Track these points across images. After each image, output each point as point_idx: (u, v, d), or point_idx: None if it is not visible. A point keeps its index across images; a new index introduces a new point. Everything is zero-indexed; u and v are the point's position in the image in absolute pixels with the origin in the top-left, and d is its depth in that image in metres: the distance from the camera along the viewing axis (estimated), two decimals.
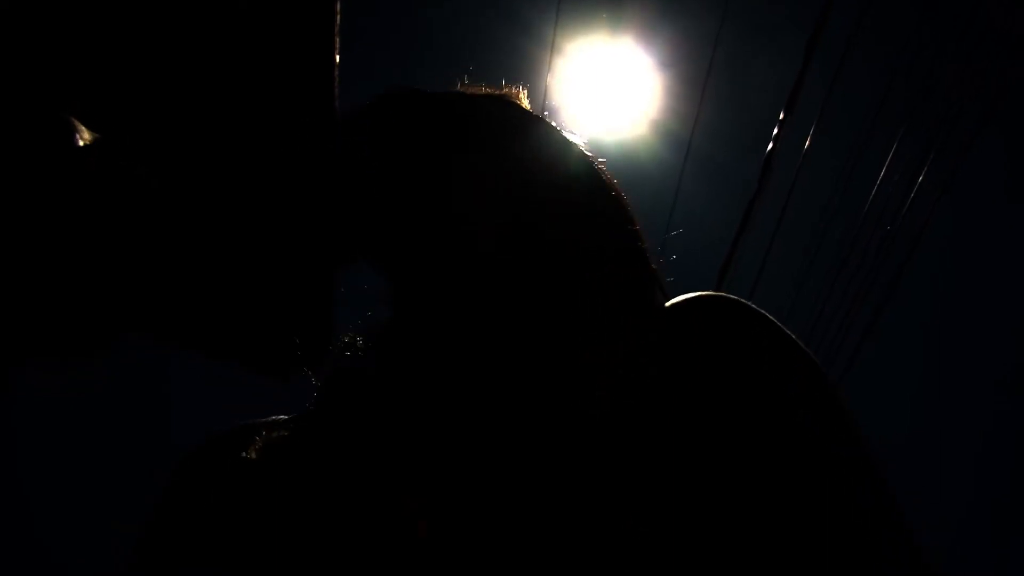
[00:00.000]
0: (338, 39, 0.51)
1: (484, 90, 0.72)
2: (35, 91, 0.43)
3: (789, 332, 0.54)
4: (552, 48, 4.74)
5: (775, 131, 4.00)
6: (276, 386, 0.62)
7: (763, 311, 0.55)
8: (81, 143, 0.42)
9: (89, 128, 0.45)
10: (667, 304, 0.59)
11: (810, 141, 4.35)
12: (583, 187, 0.65)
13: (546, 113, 0.74)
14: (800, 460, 0.48)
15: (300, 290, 0.49)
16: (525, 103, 0.72)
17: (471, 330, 0.57)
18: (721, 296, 0.57)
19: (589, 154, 0.68)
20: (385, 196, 0.60)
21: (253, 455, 0.58)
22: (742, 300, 0.56)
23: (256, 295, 0.48)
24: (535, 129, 0.69)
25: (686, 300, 0.57)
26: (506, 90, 0.73)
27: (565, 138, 0.69)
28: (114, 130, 0.46)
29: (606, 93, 5.95)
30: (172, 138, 0.47)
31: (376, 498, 0.54)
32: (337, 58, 0.51)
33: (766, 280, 4.95)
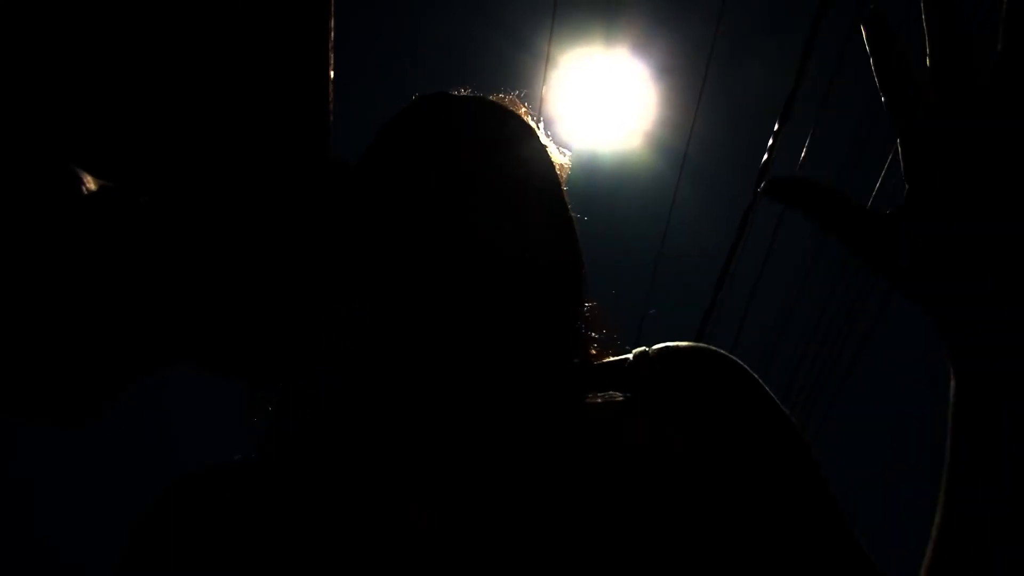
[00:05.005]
0: (332, 54, 0.51)
1: (494, 97, 0.73)
2: (35, 128, 0.43)
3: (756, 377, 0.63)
4: (547, 59, 4.76)
5: (770, 141, 4.01)
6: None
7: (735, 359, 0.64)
8: (86, 191, 0.42)
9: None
10: (653, 348, 0.66)
11: (806, 152, 4.36)
12: (551, 212, 0.68)
13: (540, 125, 0.74)
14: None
15: (292, 302, 0.49)
16: (524, 113, 0.73)
17: (449, 327, 0.58)
18: (699, 346, 0.65)
19: (562, 178, 0.71)
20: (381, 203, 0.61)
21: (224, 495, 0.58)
22: (717, 350, 0.65)
23: (250, 307, 0.48)
24: (531, 142, 0.70)
25: (667, 349, 0.65)
26: (508, 99, 0.73)
27: (550, 156, 0.71)
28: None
29: (601, 103, 5.98)
30: (166, 149, 0.47)
31: (373, 506, 0.55)
32: (332, 73, 0.52)
33: (762, 288, 4.96)
